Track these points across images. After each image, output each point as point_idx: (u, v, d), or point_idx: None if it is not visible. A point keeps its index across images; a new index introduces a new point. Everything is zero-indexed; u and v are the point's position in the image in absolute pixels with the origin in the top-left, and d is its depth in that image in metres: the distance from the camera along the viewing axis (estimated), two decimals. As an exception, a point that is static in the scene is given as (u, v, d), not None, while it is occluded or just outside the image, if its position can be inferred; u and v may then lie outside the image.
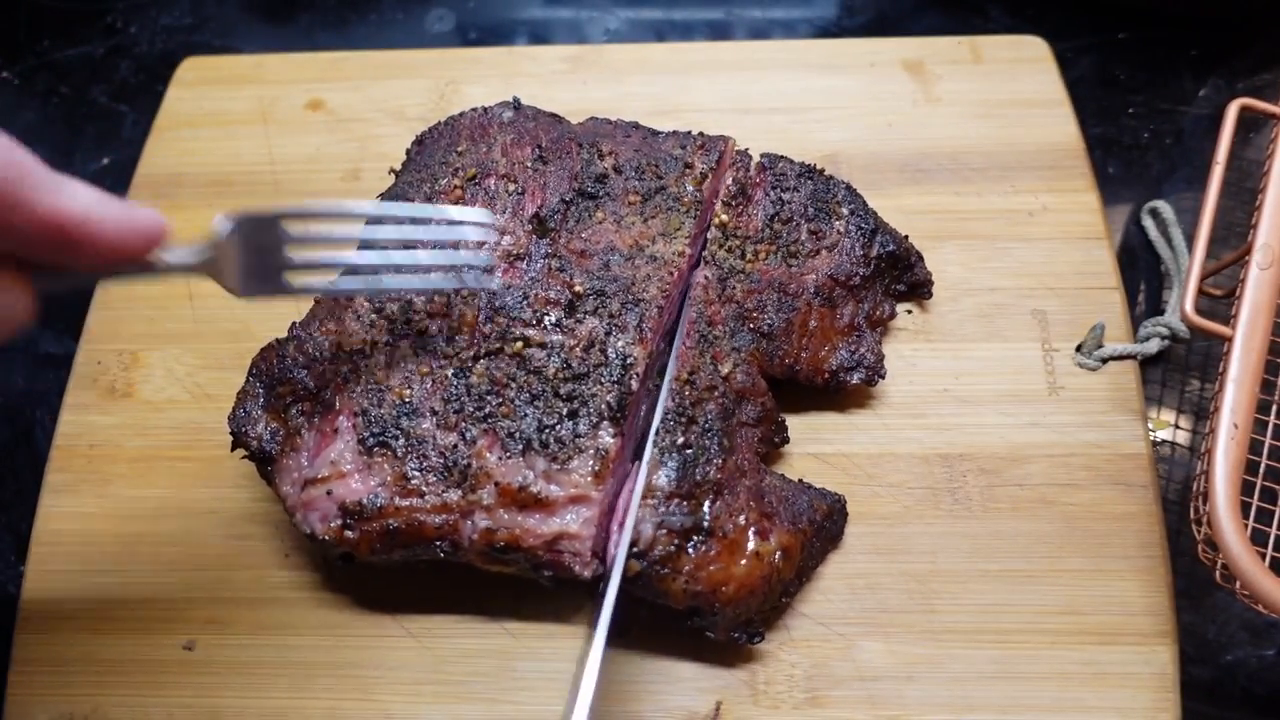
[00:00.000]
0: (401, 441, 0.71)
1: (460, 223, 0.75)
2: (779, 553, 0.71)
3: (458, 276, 0.74)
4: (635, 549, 0.69)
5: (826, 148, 0.98)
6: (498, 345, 0.74)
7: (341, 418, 0.73)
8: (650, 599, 0.71)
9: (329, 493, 0.70)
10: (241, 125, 1.03)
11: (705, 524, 0.70)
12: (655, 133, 0.87)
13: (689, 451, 0.72)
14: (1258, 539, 0.67)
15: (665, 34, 1.17)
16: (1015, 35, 1.04)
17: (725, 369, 0.77)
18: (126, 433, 0.86)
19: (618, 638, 0.75)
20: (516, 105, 0.89)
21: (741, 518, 0.71)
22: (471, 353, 0.74)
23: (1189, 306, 0.73)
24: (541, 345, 0.74)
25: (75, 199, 0.51)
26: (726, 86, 1.03)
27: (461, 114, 0.88)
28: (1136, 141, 1.05)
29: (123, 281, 0.57)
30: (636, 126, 0.88)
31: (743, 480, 0.73)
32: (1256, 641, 0.79)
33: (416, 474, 0.70)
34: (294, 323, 0.79)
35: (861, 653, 0.74)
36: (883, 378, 0.83)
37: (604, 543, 0.71)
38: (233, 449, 0.75)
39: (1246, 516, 0.70)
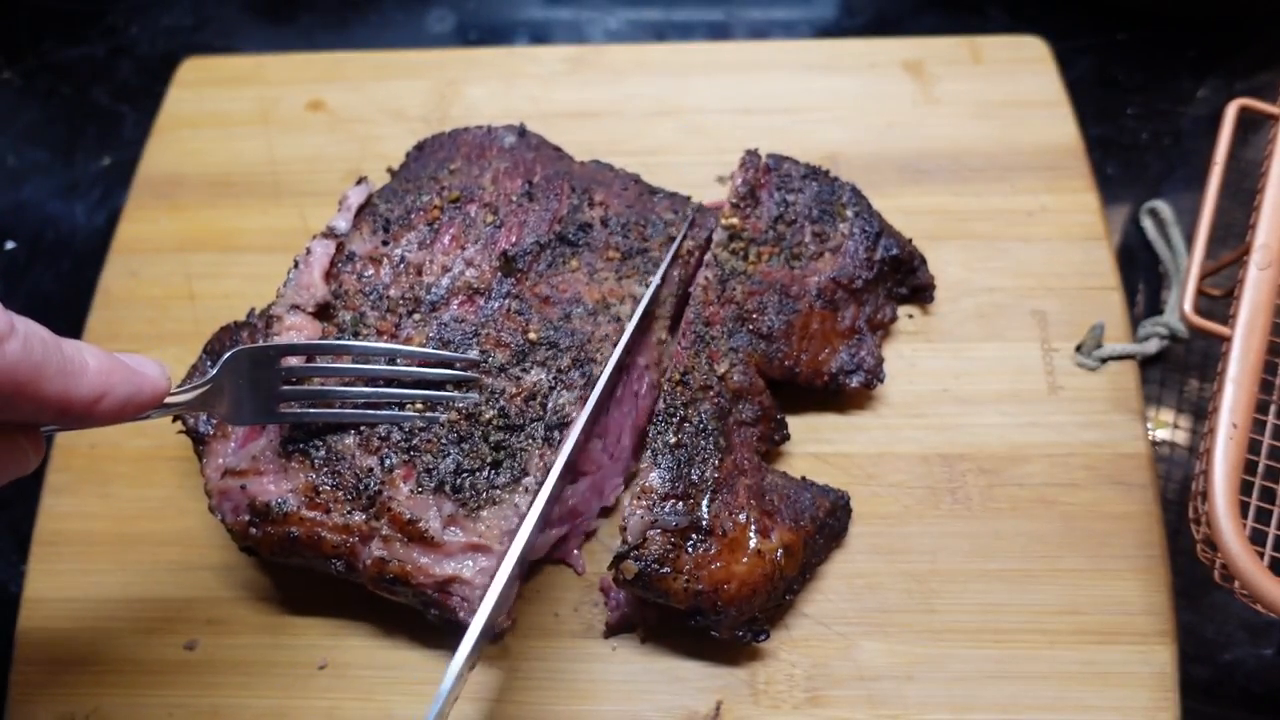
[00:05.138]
0: (321, 453, 0.71)
1: (447, 362, 0.74)
2: (781, 550, 0.71)
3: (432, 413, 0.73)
4: (630, 550, 0.69)
5: (826, 148, 0.98)
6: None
7: None
8: (652, 599, 0.71)
9: (243, 487, 0.71)
10: (242, 125, 1.03)
11: (704, 523, 0.70)
12: (653, 190, 0.86)
13: (682, 451, 0.72)
14: (1256, 538, 0.67)
15: (665, 34, 1.17)
16: (1015, 35, 1.05)
17: (722, 369, 0.77)
18: (127, 433, 0.86)
19: (620, 638, 0.76)
20: (521, 131, 0.88)
21: (742, 516, 0.71)
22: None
23: (1188, 306, 0.73)
24: (480, 388, 0.73)
25: (83, 383, 0.52)
26: (726, 86, 1.03)
27: (465, 129, 0.88)
28: (1135, 142, 1.05)
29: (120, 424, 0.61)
30: (636, 180, 0.87)
31: (742, 479, 0.73)
32: (1255, 641, 0.79)
33: (327, 488, 0.70)
34: (252, 308, 0.80)
35: (861, 652, 0.74)
36: (881, 381, 0.83)
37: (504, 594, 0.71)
38: (172, 419, 0.76)
39: (1245, 516, 0.70)
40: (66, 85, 1.15)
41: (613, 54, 1.06)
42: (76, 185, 1.07)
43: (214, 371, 0.65)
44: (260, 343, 0.75)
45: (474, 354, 0.75)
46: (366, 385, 0.74)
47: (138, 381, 0.55)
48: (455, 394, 0.73)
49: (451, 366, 0.74)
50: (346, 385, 0.74)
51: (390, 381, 0.74)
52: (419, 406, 0.73)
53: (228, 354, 0.66)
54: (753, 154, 0.87)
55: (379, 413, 0.72)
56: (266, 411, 0.70)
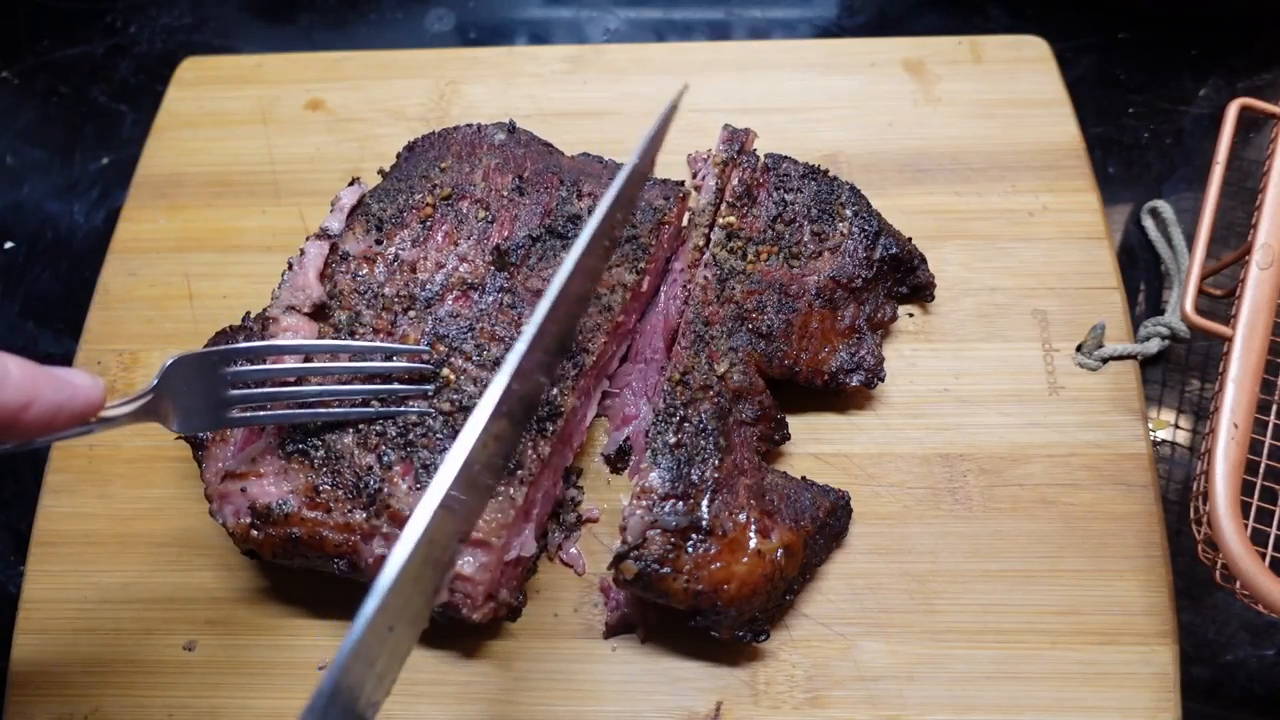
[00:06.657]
0: (320, 453, 0.71)
1: (397, 351, 0.74)
2: (781, 550, 0.71)
3: (391, 406, 0.73)
4: (630, 550, 0.69)
5: (827, 148, 0.98)
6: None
7: None
8: (652, 599, 0.71)
9: (244, 490, 0.71)
10: (241, 125, 1.03)
11: (704, 523, 0.70)
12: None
13: (682, 451, 0.72)
14: (1258, 539, 0.67)
15: (665, 34, 1.17)
16: (1015, 35, 1.04)
17: (721, 369, 0.77)
18: (126, 433, 0.85)
19: (620, 638, 0.75)
20: (511, 128, 0.88)
21: (742, 516, 0.71)
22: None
23: (1189, 306, 0.73)
24: (475, 381, 0.74)
25: (5, 388, 0.51)
26: (726, 86, 1.03)
27: (455, 128, 0.88)
28: (1136, 141, 1.05)
29: (61, 440, 0.59)
30: None
31: (742, 479, 0.73)
32: (1256, 641, 0.79)
33: (327, 488, 0.70)
34: (248, 312, 0.80)
35: (862, 653, 0.74)
36: (882, 380, 0.83)
37: (500, 586, 0.70)
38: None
39: (1246, 516, 0.70)
40: (65, 85, 1.14)
41: (613, 54, 1.06)
42: (75, 185, 1.07)
43: (155, 382, 0.64)
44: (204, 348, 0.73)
45: (423, 350, 0.75)
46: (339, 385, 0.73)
47: (67, 390, 0.54)
48: (409, 387, 0.73)
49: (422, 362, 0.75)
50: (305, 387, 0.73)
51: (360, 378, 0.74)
52: (376, 404, 0.73)
53: (168, 363, 0.65)
54: (749, 155, 0.86)
55: (334, 410, 0.72)
56: (219, 418, 0.69)
